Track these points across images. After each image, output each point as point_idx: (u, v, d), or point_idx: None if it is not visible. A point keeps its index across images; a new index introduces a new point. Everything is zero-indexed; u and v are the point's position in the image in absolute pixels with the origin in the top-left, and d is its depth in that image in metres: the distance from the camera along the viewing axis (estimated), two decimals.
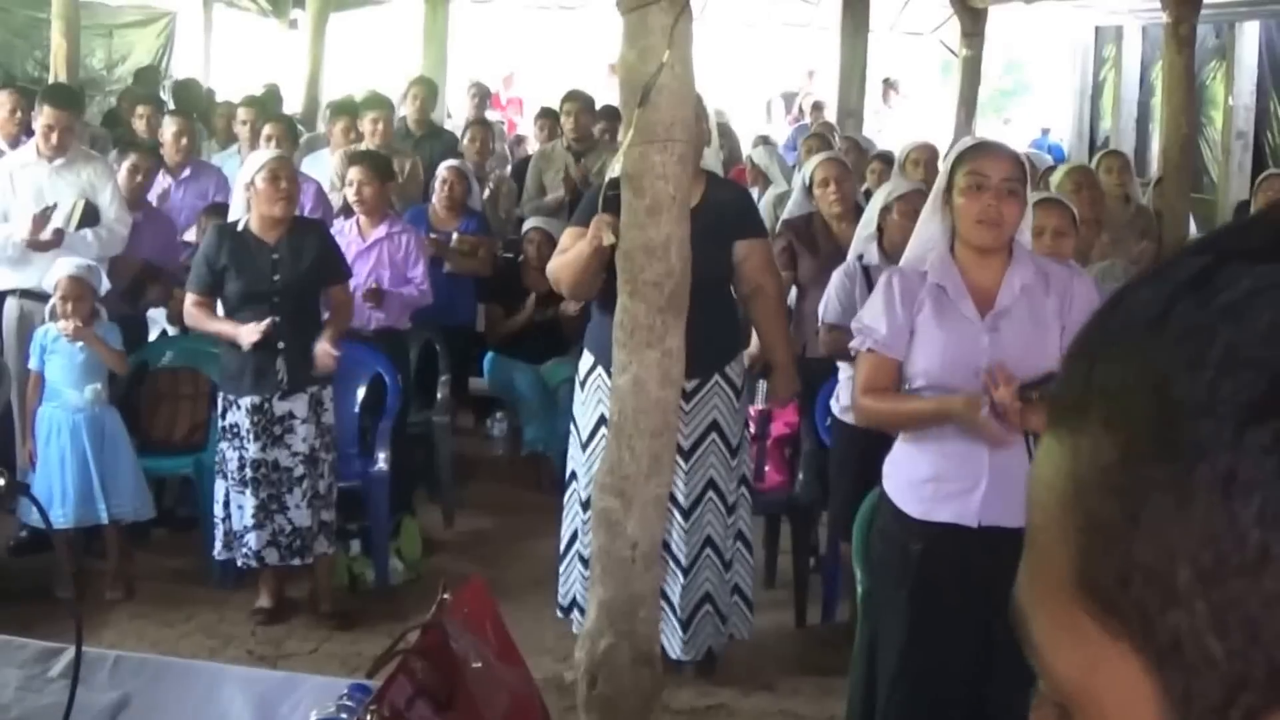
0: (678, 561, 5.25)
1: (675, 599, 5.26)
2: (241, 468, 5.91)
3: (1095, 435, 0.58)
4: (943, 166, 4.07)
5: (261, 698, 2.21)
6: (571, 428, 5.42)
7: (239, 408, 5.92)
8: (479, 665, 1.67)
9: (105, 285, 6.41)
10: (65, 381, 6.14)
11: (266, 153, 6.56)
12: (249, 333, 5.81)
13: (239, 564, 6.03)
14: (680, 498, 5.20)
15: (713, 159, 8.38)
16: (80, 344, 6.08)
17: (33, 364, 6.21)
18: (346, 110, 9.53)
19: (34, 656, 2.67)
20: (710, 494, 5.33)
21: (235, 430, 5.93)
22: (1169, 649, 0.56)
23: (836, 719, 4.99)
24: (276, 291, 5.90)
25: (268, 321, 5.80)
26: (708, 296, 5.17)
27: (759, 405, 6.11)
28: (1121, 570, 0.56)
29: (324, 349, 5.90)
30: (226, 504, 5.97)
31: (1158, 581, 0.55)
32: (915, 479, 3.90)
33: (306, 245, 6.00)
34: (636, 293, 3.55)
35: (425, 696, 1.56)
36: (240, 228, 6.06)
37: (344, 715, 1.73)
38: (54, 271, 6.24)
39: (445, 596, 1.73)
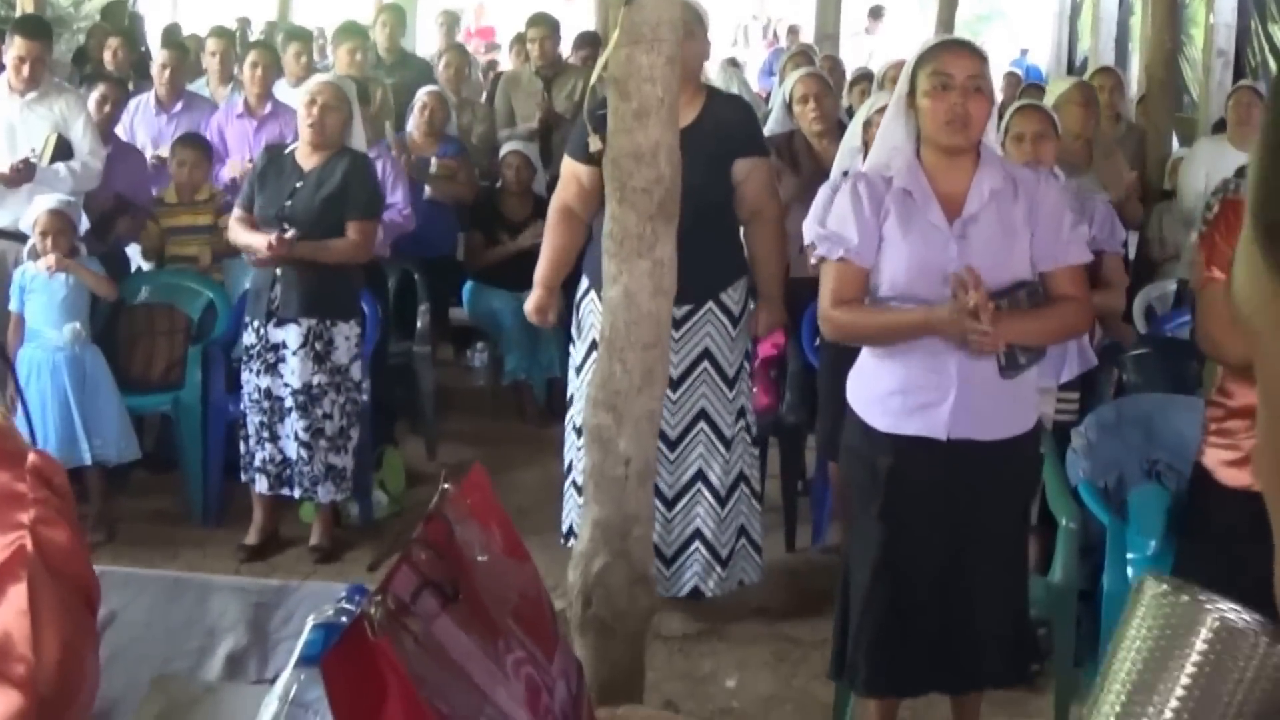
0: (662, 496, 5.06)
1: (657, 534, 4.98)
2: (251, 390, 5.92)
3: None
4: (904, 69, 3.93)
5: (254, 607, 2.15)
6: (571, 351, 5.26)
7: (251, 329, 5.89)
8: (484, 559, 1.60)
9: (84, 223, 6.30)
10: (45, 321, 6.04)
11: (319, 76, 6.50)
12: (260, 239, 5.77)
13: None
14: (667, 430, 4.99)
15: None
16: (62, 279, 5.99)
17: (13, 306, 6.10)
18: (299, 36, 9.41)
19: None
20: (701, 425, 5.16)
21: (250, 352, 5.91)
22: None
23: (829, 641, 4.94)
24: (285, 216, 5.80)
25: (275, 234, 5.72)
26: (702, 218, 4.83)
27: None
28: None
29: (279, 234, 5.74)
30: (247, 424, 5.96)
31: None
32: (882, 392, 3.79)
33: (334, 177, 5.84)
34: (625, 200, 3.44)
35: (431, 588, 1.48)
36: (287, 150, 5.99)
37: (344, 619, 1.66)
38: (32, 209, 6.14)
39: (446, 487, 1.65)
